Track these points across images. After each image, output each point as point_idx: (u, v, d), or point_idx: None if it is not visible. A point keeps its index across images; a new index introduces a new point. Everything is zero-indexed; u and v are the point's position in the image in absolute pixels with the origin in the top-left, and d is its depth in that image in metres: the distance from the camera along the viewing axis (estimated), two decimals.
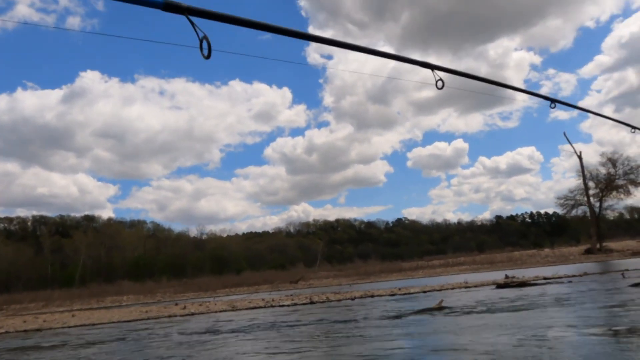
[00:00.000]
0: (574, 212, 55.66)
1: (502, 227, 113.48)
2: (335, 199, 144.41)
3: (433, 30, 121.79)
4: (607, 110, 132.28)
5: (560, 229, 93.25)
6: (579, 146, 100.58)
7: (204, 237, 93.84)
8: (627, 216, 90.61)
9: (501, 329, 8.75)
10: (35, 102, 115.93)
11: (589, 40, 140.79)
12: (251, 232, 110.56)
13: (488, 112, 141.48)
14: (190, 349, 9.87)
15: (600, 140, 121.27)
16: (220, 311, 19.95)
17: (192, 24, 2.62)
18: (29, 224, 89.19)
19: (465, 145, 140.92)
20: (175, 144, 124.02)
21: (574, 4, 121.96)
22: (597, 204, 51.54)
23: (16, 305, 40.03)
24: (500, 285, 19.47)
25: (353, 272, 52.66)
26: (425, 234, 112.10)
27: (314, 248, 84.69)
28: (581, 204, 52.64)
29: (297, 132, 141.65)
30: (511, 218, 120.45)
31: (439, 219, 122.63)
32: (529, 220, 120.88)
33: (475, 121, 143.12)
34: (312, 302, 20.08)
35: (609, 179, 50.90)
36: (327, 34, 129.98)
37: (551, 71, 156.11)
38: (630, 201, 57.48)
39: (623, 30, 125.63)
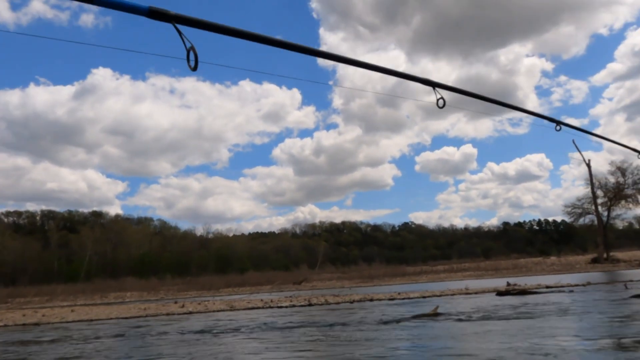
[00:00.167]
0: (581, 221, 55.09)
1: (509, 233, 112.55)
2: (342, 201, 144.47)
3: (444, 35, 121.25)
4: (619, 119, 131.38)
5: (568, 237, 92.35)
6: (589, 154, 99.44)
7: (210, 236, 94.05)
8: (637, 226, 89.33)
9: (494, 337, 8.62)
10: (47, 98, 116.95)
11: (602, 48, 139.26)
12: (257, 232, 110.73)
13: (498, 118, 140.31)
14: (190, 347, 9.91)
15: (611, 149, 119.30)
16: (218, 311, 19.98)
17: (180, 33, 2.47)
18: (38, 218, 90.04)
19: (474, 151, 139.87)
20: (184, 143, 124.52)
21: (587, 10, 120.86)
22: (605, 213, 50.96)
23: (21, 299, 40.38)
24: (500, 293, 19.30)
25: (356, 275, 52.46)
26: (431, 238, 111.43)
27: (317, 249, 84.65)
28: (589, 213, 52.00)
29: (305, 133, 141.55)
30: (518, 225, 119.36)
31: (446, 224, 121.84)
32: (537, 228, 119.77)
33: (484, 127, 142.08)
34: (310, 305, 20.04)
35: (618, 188, 50.24)
36: (337, 36, 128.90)
37: (563, 78, 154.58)
38: None
39: (637, 39, 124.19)
